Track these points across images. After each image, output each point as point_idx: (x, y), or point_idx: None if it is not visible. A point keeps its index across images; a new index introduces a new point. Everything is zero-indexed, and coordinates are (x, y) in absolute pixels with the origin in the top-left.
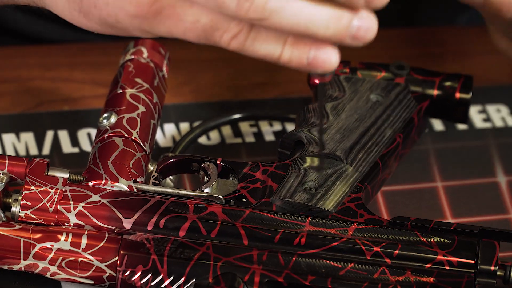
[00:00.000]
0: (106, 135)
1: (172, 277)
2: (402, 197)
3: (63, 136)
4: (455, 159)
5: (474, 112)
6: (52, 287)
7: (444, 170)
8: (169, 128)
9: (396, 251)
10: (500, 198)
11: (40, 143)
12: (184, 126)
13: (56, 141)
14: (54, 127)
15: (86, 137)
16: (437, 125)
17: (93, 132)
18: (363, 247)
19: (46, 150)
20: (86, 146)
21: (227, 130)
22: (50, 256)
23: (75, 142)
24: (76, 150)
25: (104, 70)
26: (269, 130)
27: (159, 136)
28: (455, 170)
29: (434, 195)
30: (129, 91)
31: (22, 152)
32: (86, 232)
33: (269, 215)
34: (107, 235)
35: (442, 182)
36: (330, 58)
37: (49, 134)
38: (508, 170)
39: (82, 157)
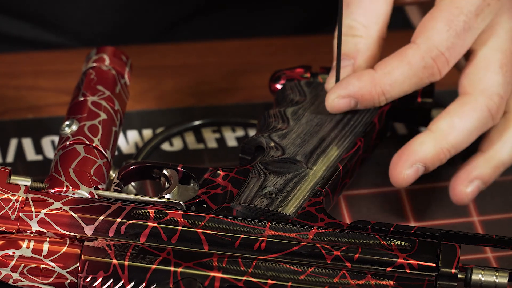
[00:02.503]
0: (68, 143)
1: (133, 283)
2: (364, 201)
3: (27, 143)
4: None
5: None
6: None
7: None
8: (132, 134)
9: (357, 255)
10: None
11: (4, 151)
12: (147, 133)
13: (20, 149)
14: (18, 135)
15: (50, 144)
16: (400, 129)
17: (57, 139)
18: (323, 251)
19: (10, 158)
20: (50, 154)
21: (189, 136)
22: (12, 263)
23: (39, 149)
24: (40, 157)
25: (68, 78)
26: (231, 136)
27: (122, 142)
28: None
29: (396, 199)
30: (90, 98)
31: None
32: (47, 239)
33: (229, 220)
34: (68, 242)
35: None
36: None
37: (13, 142)
38: None
39: (46, 164)
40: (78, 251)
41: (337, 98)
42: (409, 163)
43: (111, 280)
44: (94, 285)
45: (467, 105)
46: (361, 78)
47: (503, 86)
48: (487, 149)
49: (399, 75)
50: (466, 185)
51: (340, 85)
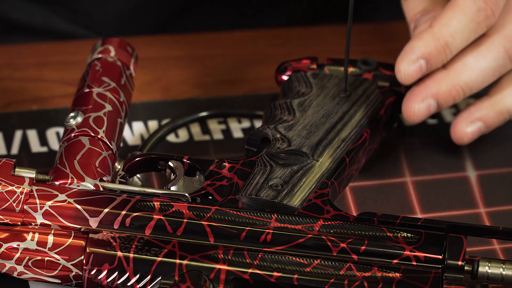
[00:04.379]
0: (73, 135)
1: (138, 275)
2: (370, 193)
3: (32, 135)
4: (424, 154)
5: None
6: (19, 286)
7: (413, 165)
8: (138, 126)
9: (363, 247)
10: (469, 193)
11: (8, 143)
12: (153, 124)
13: (24, 141)
14: (23, 127)
15: (55, 136)
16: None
17: (62, 131)
18: (329, 243)
19: (14, 149)
20: (55, 145)
21: (195, 127)
22: (17, 255)
23: (43, 141)
24: (44, 149)
25: (73, 69)
26: (237, 127)
27: (127, 134)
28: (425, 165)
29: (403, 191)
30: (95, 90)
31: None
32: (52, 231)
33: (235, 212)
34: (73, 234)
35: (411, 177)
36: None
37: (18, 134)
38: (478, 165)
39: (51, 156)
40: (83, 243)
41: (407, 64)
42: (420, 97)
43: (116, 273)
44: (99, 277)
45: (482, 46)
46: (422, 38)
47: None
48: (495, 94)
49: (457, 23)
50: (466, 125)
51: (405, 52)
